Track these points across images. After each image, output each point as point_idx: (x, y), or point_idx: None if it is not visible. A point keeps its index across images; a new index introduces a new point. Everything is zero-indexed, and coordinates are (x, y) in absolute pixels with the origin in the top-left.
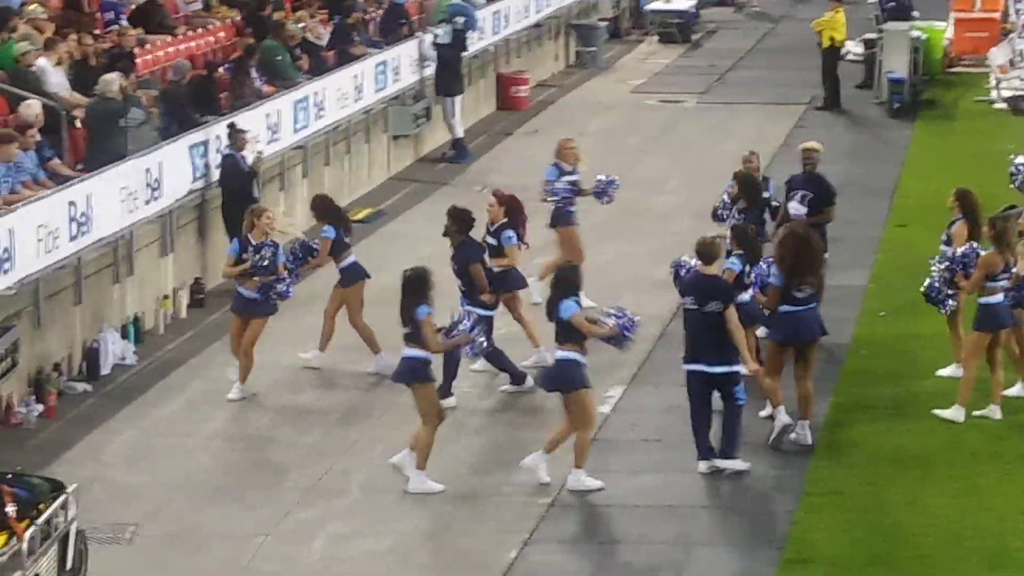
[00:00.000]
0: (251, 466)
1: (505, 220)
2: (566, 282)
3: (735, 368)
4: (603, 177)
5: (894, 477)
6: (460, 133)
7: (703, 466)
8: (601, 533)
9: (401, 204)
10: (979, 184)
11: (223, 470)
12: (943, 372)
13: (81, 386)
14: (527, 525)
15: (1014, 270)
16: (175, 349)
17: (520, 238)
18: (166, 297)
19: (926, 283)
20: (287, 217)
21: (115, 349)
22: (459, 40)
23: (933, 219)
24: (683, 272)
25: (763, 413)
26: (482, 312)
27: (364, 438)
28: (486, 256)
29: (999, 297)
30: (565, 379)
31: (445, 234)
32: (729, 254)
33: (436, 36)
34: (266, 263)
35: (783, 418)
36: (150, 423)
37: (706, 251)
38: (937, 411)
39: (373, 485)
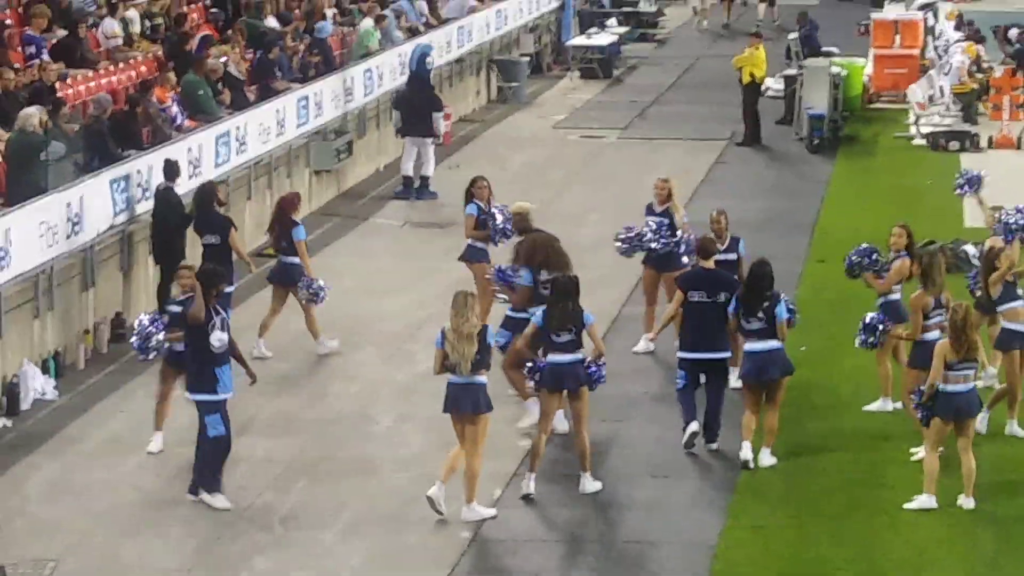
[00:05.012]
0: (173, 500)
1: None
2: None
3: (729, 354)
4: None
5: (817, 511)
6: (411, 171)
7: (695, 426)
8: (524, 567)
9: (323, 239)
10: (898, 220)
11: (145, 504)
12: (871, 407)
13: (1, 422)
14: (451, 558)
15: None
16: (96, 384)
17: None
18: (87, 332)
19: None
20: None
21: (35, 384)
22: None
23: None
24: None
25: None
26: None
27: (287, 472)
28: None
29: (935, 334)
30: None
31: None
32: None
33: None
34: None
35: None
36: (71, 458)
37: (706, 248)
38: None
39: (296, 519)
